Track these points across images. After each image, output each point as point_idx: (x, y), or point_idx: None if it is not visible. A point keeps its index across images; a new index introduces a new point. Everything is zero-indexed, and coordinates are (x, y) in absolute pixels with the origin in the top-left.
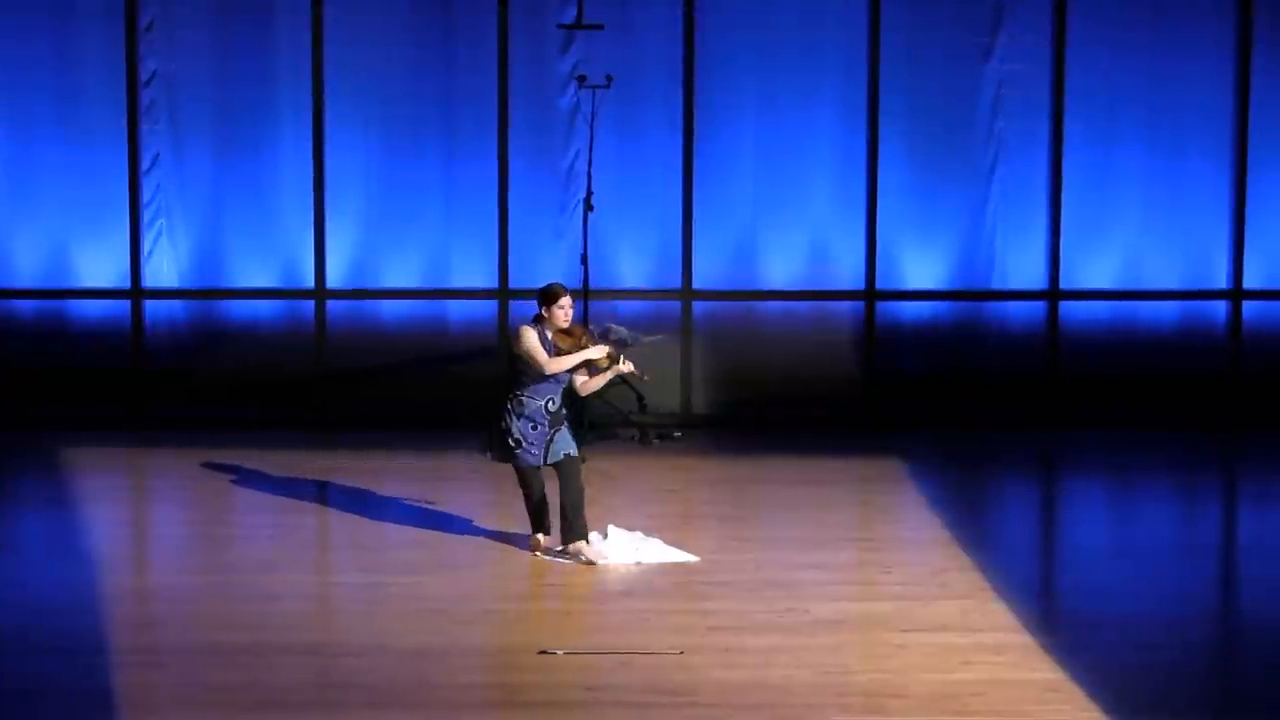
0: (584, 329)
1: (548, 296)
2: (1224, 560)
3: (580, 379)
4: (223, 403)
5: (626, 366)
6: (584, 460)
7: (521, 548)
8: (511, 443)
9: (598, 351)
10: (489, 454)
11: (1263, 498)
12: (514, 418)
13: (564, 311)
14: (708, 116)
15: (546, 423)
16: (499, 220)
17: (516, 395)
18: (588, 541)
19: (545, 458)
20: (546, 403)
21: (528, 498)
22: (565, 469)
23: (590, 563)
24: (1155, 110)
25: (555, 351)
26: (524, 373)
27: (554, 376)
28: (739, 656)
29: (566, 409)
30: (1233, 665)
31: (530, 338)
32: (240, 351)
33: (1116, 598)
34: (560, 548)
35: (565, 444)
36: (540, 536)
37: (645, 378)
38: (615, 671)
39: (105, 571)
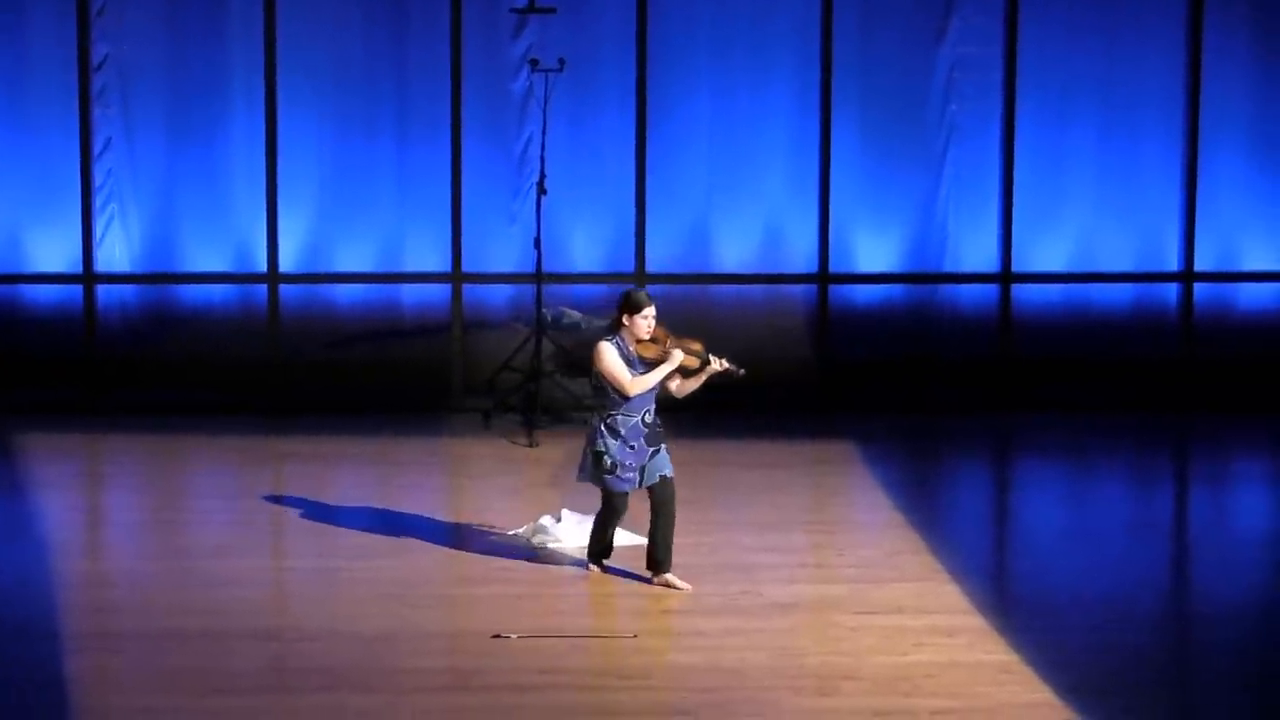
0: (666, 332)
1: (630, 305)
2: (1176, 541)
3: (673, 384)
4: (176, 387)
5: (720, 365)
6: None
7: (476, 531)
8: (608, 464)
9: (679, 358)
10: (579, 475)
11: (1214, 479)
12: (609, 439)
13: (647, 322)
14: (660, 100)
15: (644, 440)
16: (452, 204)
17: (610, 415)
18: (670, 570)
19: (641, 480)
20: (643, 416)
21: (605, 523)
22: (660, 494)
23: (679, 588)
24: (1108, 92)
25: (640, 362)
26: (610, 390)
27: (655, 393)
28: (693, 639)
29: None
30: (1185, 646)
31: (609, 356)
32: (194, 336)
33: (1069, 579)
34: (651, 576)
35: (663, 464)
36: (597, 568)
37: (741, 371)
38: (569, 655)
39: (60, 557)
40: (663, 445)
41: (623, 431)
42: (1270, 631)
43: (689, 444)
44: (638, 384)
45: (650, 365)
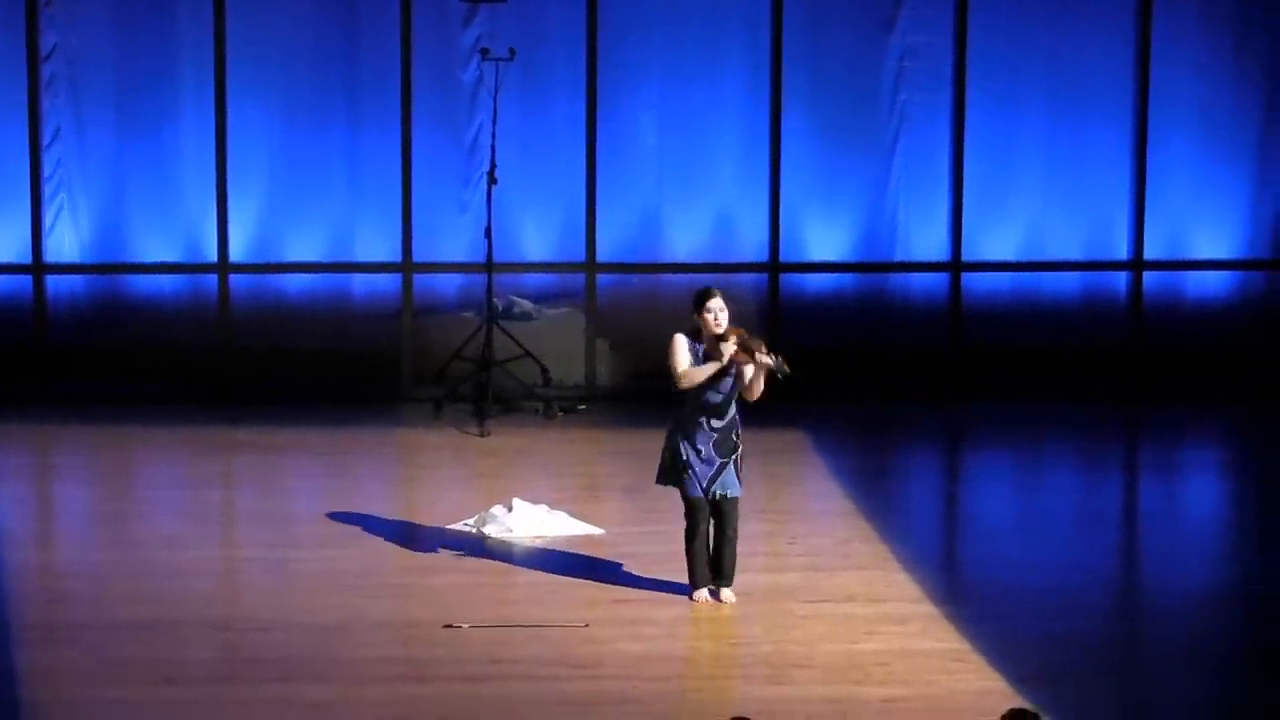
0: (739, 331)
1: (696, 301)
2: (1126, 530)
3: (744, 386)
4: (127, 378)
5: (764, 359)
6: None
7: (428, 521)
8: (680, 465)
9: (728, 353)
10: (657, 477)
11: (1165, 468)
12: (677, 438)
13: (711, 315)
14: (611, 89)
15: (713, 446)
16: (402, 194)
17: (678, 412)
18: (729, 586)
19: (708, 490)
20: (708, 420)
21: (690, 537)
22: (724, 510)
23: (724, 601)
24: (1057, 80)
25: (707, 361)
26: (676, 391)
27: (711, 387)
28: (645, 628)
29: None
30: (1135, 635)
31: (676, 345)
32: (144, 326)
33: (1020, 568)
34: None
35: (729, 482)
36: (703, 593)
37: (785, 370)
38: (521, 644)
39: (11, 549)
40: (733, 459)
41: (688, 432)
42: (1220, 620)
43: (638, 432)
44: (687, 376)
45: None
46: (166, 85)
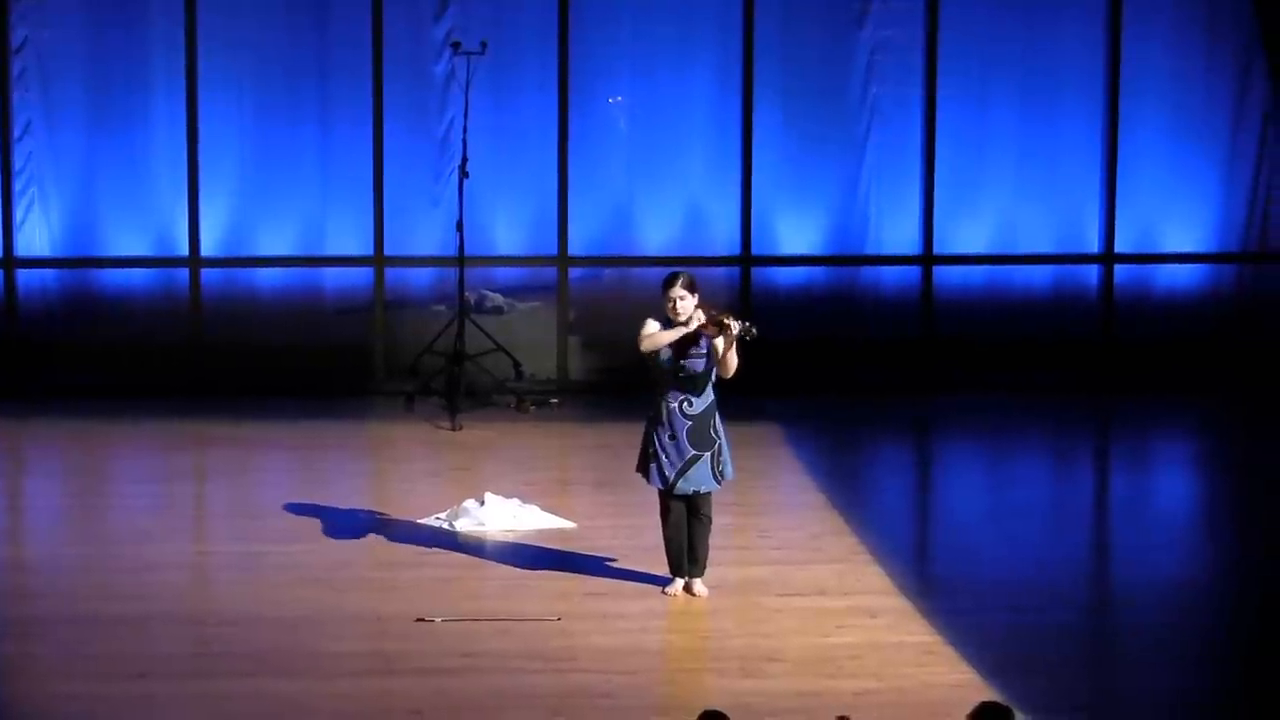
0: (704, 306)
1: (662, 285)
2: (1096, 522)
3: (718, 361)
4: (98, 372)
5: (733, 324)
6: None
7: (399, 515)
8: (649, 454)
9: (695, 324)
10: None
11: (1135, 459)
12: (653, 425)
13: (671, 303)
14: (583, 82)
15: (687, 435)
16: (374, 188)
17: (653, 399)
18: (700, 577)
19: (675, 482)
20: (681, 405)
21: (662, 521)
22: (693, 504)
23: (697, 594)
24: (1028, 73)
25: (673, 347)
26: (650, 372)
27: (684, 373)
28: (617, 622)
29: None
30: (1106, 626)
31: (646, 324)
32: (115, 320)
33: (990, 561)
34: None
35: (702, 478)
36: (678, 583)
37: (752, 332)
38: (493, 638)
39: None
40: (709, 453)
41: (662, 416)
42: (1190, 611)
43: (610, 426)
44: (650, 338)
45: (679, 345)
46: (138, 79)
